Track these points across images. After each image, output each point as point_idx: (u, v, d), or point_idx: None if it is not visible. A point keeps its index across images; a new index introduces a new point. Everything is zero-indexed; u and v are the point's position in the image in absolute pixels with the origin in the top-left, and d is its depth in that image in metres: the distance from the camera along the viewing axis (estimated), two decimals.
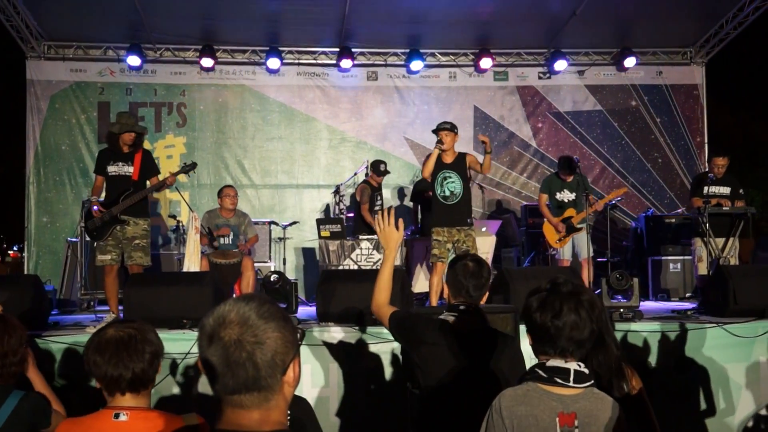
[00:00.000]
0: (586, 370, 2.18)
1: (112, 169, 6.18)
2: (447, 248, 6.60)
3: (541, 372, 2.17)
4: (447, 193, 6.68)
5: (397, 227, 3.10)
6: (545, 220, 7.67)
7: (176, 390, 5.05)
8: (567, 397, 2.14)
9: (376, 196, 8.60)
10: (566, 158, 7.72)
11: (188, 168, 6.57)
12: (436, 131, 6.74)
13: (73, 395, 4.37)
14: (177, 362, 5.02)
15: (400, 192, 10.24)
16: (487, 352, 2.89)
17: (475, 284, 3.04)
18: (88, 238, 7.67)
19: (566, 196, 7.58)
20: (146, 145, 9.81)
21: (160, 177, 6.34)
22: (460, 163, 6.72)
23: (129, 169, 6.17)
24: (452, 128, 6.70)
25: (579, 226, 7.41)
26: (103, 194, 6.30)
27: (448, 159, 6.72)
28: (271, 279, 5.93)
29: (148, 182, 6.27)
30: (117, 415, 2.29)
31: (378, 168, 8.69)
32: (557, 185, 7.65)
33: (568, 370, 2.15)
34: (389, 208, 3.36)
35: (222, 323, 1.40)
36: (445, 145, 6.61)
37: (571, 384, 2.14)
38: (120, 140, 6.17)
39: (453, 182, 6.67)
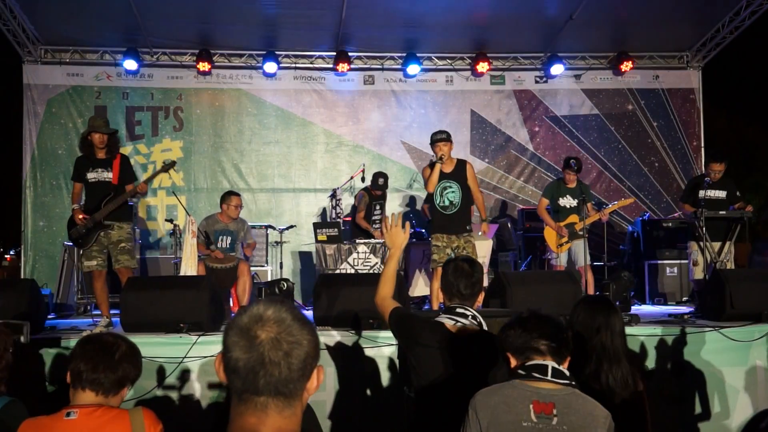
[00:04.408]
0: (567, 372, 2.24)
1: (91, 175, 6.16)
2: (447, 253, 6.58)
3: (519, 371, 2.26)
4: (446, 203, 6.66)
5: (404, 228, 3.25)
6: (546, 225, 7.64)
7: (171, 394, 5.03)
8: (544, 389, 2.19)
9: (374, 205, 8.54)
10: (570, 157, 7.75)
11: (166, 167, 6.54)
12: (432, 143, 6.69)
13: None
14: (173, 367, 5.00)
15: (397, 196, 10.22)
16: (482, 355, 2.88)
17: (465, 283, 3.04)
18: None
19: (569, 202, 7.53)
20: (142, 149, 9.97)
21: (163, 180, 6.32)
22: (459, 172, 6.69)
23: (108, 175, 6.15)
24: (448, 138, 6.66)
25: (580, 233, 7.40)
26: (83, 201, 6.30)
27: (447, 168, 6.69)
28: (285, 287, 5.93)
29: (127, 187, 6.21)
30: (68, 414, 2.44)
31: (376, 181, 8.55)
32: (560, 191, 7.60)
33: (546, 366, 2.22)
34: (400, 213, 3.43)
35: (259, 320, 1.39)
36: (444, 157, 6.59)
37: (549, 378, 2.20)
38: (93, 145, 6.14)
39: (453, 192, 6.65)
